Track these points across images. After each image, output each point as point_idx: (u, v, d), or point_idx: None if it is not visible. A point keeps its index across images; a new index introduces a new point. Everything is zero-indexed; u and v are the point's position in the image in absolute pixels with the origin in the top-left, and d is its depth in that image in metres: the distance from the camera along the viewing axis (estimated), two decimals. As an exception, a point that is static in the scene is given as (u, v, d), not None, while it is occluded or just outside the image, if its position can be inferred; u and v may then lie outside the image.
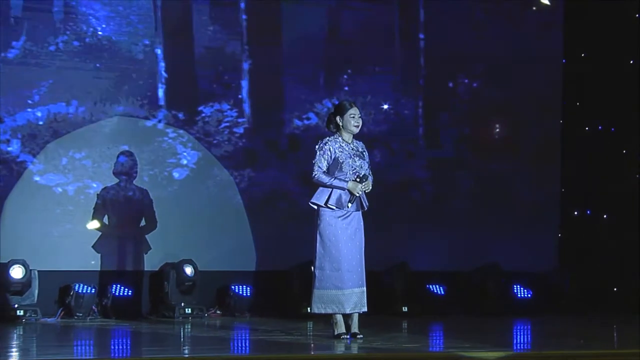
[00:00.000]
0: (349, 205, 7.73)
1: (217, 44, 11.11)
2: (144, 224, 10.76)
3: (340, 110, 7.94)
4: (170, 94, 10.95)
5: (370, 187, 7.87)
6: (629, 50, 11.50)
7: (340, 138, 7.93)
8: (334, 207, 7.75)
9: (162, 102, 10.96)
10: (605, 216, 11.43)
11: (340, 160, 7.85)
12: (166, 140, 11.00)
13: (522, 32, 12.05)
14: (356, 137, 8.10)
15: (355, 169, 7.89)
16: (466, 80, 12.00)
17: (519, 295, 11.56)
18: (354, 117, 7.89)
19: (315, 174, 7.84)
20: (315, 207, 7.90)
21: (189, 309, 10.46)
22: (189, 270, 10.51)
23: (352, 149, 7.93)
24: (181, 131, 10.99)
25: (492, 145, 12.03)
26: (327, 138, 7.95)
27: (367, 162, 7.98)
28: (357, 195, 7.75)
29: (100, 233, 10.54)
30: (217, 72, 11.11)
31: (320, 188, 7.89)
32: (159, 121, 10.98)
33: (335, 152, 7.82)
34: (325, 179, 7.81)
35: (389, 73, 11.68)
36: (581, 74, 11.97)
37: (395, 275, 11.19)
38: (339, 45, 11.49)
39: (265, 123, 11.33)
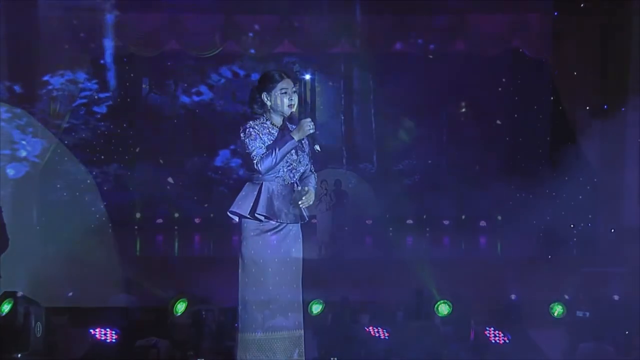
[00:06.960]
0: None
1: (70, -11, 10.56)
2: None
3: (266, 83, 6.91)
4: (3, 59, 10.02)
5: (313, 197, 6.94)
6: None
7: (268, 122, 6.94)
8: (262, 218, 6.77)
9: (-8, 70, 10.22)
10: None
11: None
12: (-3, 124, 10.22)
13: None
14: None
15: (291, 164, 6.95)
16: (420, 41, 10.93)
17: (493, 341, 10.09)
18: (286, 92, 6.87)
19: (257, 162, 6.80)
20: (236, 218, 6.86)
21: (31, 364, 9.42)
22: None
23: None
24: (18, 110, 10.27)
25: (455, 128, 11.07)
26: (251, 122, 6.92)
27: (308, 155, 7.05)
28: (308, 132, 6.76)
29: None
30: (70, 28, 10.28)
31: (242, 192, 6.87)
32: (-12, 96, 10.24)
33: (264, 141, 6.89)
34: (269, 157, 6.83)
35: (312, 30, 10.66)
36: (579, 32, 10.84)
37: (321, 313, 10.01)
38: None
39: (138, 98, 10.75)
